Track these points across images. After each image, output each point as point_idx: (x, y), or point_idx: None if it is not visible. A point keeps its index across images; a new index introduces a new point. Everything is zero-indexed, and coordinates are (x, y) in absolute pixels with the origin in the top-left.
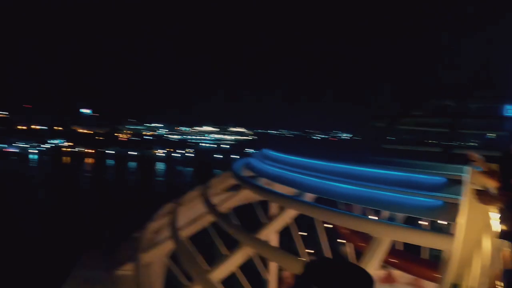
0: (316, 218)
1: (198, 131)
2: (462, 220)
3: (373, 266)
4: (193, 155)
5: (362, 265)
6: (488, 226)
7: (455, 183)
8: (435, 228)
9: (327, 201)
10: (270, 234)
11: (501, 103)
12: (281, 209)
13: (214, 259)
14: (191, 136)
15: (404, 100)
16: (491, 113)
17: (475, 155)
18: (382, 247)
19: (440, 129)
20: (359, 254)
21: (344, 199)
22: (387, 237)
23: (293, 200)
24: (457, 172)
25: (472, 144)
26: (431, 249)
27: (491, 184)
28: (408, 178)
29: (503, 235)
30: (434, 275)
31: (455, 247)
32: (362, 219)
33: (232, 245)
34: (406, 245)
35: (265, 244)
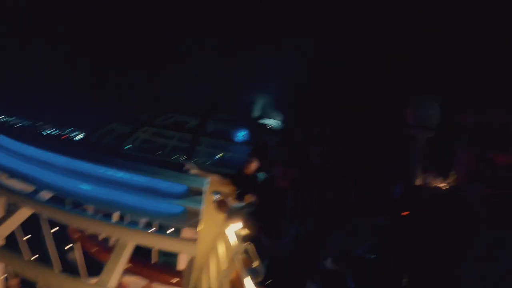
0: (56, 219)
1: None
2: (201, 226)
3: (119, 271)
4: None
5: (107, 271)
6: (224, 232)
7: (196, 193)
8: (162, 233)
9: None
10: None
11: (234, 128)
12: (14, 207)
13: None
14: None
15: (150, 111)
16: (225, 136)
17: (192, 166)
18: (127, 252)
19: (179, 142)
20: (89, 259)
21: (86, 200)
22: (132, 241)
23: (29, 198)
24: (197, 183)
25: (205, 160)
26: (161, 254)
27: (228, 196)
28: (152, 185)
29: (245, 239)
30: (167, 278)
31: (197, 251)
32: (109, 223)
33: None
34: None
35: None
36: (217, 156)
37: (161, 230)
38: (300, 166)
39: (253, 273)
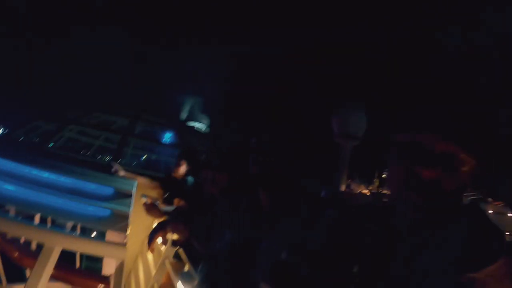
0: None
1: None
2: (130, 231)
3: (45, 277)
4: None
5: (33, 278)
6: None
7: (124, 195)
8: (87, 236)
9: None
10: None
11: (162, 130)
12: None
13: None
14: None
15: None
16: (153, 137)
17: (119, 168)
18: (54, 257)
19: (105, 142)
20: (10, 265)
21: (7, 201)
22: (59, 246)
23: None
24: (125, 185)
25: (132, 162)
26: (83, 259)
27: (156, 199)
28: (78, 186)
29: (174, 243)
30: (92, 284)
31: (127, 256)
32: (34, 226)
33: None
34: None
35: None
36: (144, 158)
37: (84, 233)
38: (231, 173)
39: (185, 277)
